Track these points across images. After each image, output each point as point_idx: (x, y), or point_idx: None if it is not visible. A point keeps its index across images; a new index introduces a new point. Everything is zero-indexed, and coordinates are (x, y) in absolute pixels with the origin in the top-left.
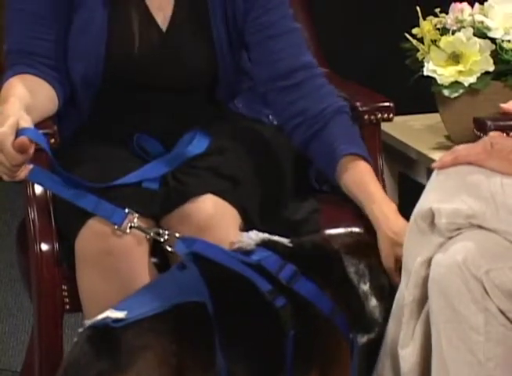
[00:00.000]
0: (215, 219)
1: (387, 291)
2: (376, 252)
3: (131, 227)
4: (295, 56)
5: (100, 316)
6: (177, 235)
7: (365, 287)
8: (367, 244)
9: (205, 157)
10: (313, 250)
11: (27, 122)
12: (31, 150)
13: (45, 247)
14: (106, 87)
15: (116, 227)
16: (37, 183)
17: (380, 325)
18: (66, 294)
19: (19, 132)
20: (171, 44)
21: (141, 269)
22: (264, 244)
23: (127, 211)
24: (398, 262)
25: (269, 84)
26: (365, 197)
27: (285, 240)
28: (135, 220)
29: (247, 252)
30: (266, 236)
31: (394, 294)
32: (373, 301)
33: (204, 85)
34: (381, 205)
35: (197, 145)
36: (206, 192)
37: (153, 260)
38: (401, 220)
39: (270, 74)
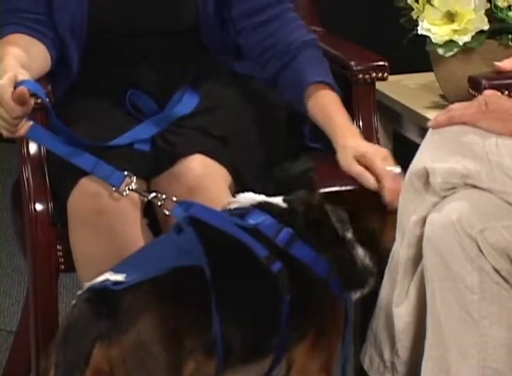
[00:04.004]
0: (205, 179)
1: (370, 235)
2: (356, 197)
3: (129, 190)
4: None
5: (99, 279)
6: (174, 199)
7: (348, 234)
8: (348, 191)
9: (194, 117)
10: (306, 210)
11: (24, 76)
12: (31, 102)
13: (39, 206)
14: (94, 39)
15: (114, 189)
16: (37, 141)
17: (373, 276)
18: (60, 254)
19: (17, 85)
20: None
21: (134, 229)
22: (260, 207)
23: (126, 173)
24: (364, 161)
25: (243, 21)
26: (328, 123)
27: (279, 201)
28: (133, 183)
29: (243, 214)
30: (262, 198)
31: (378, 237)
32: (360, 250)
33: (190, 28)
34: (343, 130)
35: (186, 104)
36: (194, 152)
37: (145, 220)
38: (359, 140)
39: (243, 11)
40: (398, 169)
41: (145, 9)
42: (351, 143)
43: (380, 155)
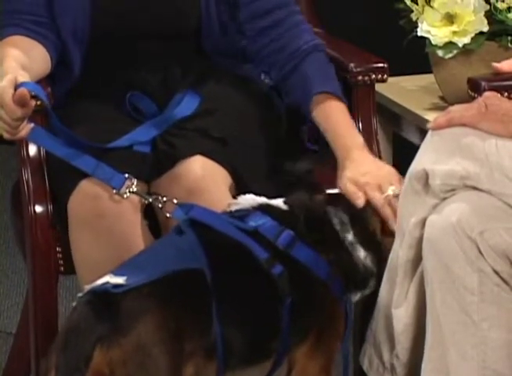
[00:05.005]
0: (205, 181)
1: (370, 236)
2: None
3: (130, 192)
4: None
5: (100, 281)
6: (175, 201)
7: (349, 236)
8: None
9: (194, 119)
10: (307, 212)
11: (24, 77)
12: (31, 104)
13: (39, 208)
14: (96, 42)
15: (114, 191)
16: (38, 143)
17: (373, 277)
18: (60, 256)
19: (17, 86)
20: None
21: (134, 231)
22: (260, 209)
23: (126, 176)
24: (358, 186)
25: (249, 24)
26: (332, 133)
27: (280, 203)
28: (134, 185)
29: (244, 217)
30: (263, 200)
31: (378, 239)
32: (361, 252)
33: (191, 32)
34: (345, 139)
35: (186, 106)
36: (194, 153)
37: (145, 222)
38: (362, 157)
39: (250, 14)
40: (391, 191)
41: (147, 12)
42: (351, 165)
43: (375, 181)
